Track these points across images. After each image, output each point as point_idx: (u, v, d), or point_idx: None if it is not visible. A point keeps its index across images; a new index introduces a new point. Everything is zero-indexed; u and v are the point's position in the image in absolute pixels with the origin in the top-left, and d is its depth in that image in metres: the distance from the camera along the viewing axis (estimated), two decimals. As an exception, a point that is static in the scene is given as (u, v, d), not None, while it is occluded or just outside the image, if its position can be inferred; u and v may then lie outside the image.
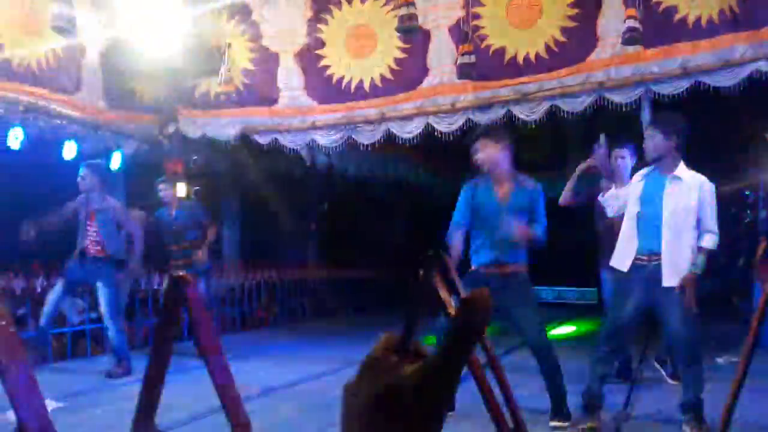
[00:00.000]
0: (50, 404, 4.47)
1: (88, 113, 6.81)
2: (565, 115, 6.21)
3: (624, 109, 5.91)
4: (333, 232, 12.79)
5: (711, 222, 3.85)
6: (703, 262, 3.85)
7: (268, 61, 7.06)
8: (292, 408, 4.63)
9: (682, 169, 3.92)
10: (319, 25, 6.87)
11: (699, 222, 3.86)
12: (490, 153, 4.25)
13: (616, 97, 5.90)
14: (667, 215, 3.84)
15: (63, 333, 6.81)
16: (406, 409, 0.49)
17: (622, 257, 3.99)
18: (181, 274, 0.59)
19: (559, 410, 4.05)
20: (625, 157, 4.98)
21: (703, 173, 3.96)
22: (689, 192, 3.85)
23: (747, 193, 10.12)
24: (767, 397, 4.41)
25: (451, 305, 0.50)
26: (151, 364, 0.59)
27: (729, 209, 11.00)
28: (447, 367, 0.49)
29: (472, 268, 4.31)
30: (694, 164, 3.97)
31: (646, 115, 5.84)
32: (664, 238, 3.83)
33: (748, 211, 10.14)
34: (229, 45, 7.01)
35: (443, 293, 0.52)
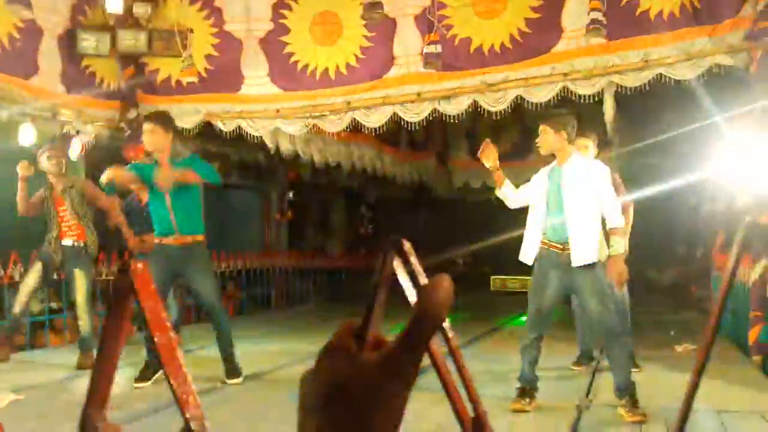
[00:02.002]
0: (8, 397, 4.38)
1: (45, 97, 6.64)
2: (530, 106, 6.25)
3: (587, 100, 5.98)
4: (299, 220, 12.73)
5: (610, 202, 4.07)
6: (619, 242, 4.07)
7: (231, 47, 6.95)
8: (255, 399, 4.60)
9: (576, 158, 4.18)
10: (283, 11, 6.78)
11: (602, 206, 4.07)
12: (157, 139, 4.87)
13: (580, 89, 5.95)
14: (569, 202, 4.06)
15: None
16: (365, 398, 0.48)
17: (529, 250, 4.21)
18: (131, 261, 0.57)
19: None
20: (588, 147, 5.06)
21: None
22: (585, 178, 4.08)
23: (706, 185, 10.32)
24: (724, 385, 4.52)
25: (411, 292, 0.49)
26: (101, 355, 0.56)
27: (688, 201, 11.22)
28: (407, 355, 0.48)
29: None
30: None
31: (608, 106, 5.93)
32: (570, 224, 4.05)
33: (707, 203, 10.34)
34: (192, 30, 6.89)
35: (403, 280, 0.50)
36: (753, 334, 5.43)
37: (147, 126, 4.94)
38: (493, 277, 13.67)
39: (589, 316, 4.14)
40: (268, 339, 7.39)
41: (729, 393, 4.37)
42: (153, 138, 4.88)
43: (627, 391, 3.91)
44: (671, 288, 12.15)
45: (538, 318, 4.20)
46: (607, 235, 4.19)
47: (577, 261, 4.00)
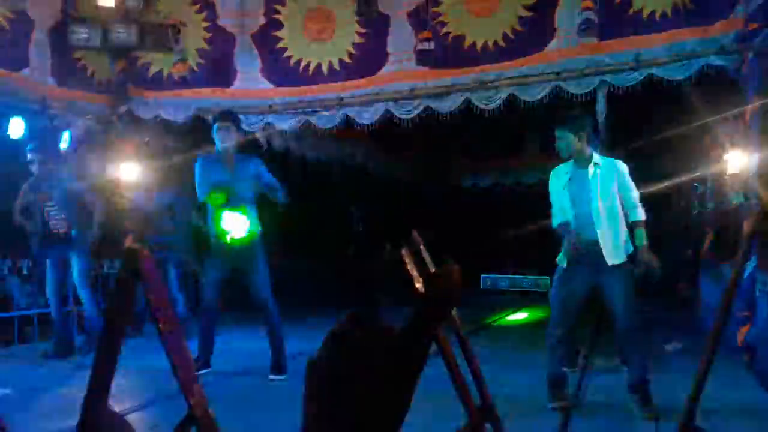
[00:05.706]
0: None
1: (36, 90, 6.59)
2: (523, 105, 6.26)
3: (580, 99, 6.00)
4: (288, 218, 12.67)
5: (634, 197, 4.10)
6: (644, 234, 4.05)
7: (224, 41, 6.93)
8: (236, 396, 4.59)
9: (597, 157, 4.16)
10: (276, 6, 6.76)
11: (624, 202, 4.09)
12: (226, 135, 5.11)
13: (573, 88, 5.97)
14: (598, 202, 4.05)
15: (10, 318, 6.64)
16: (374, 383, 0.48)
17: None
18: (135, 246, 0.56)
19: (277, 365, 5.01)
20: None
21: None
22: (609, 175, 4.08)
23: (696, 184, 10.36)
24: (711, 384, 4.54)
25: (419, 281, 0.49)
26: (103, 343, 0.56)
27: (678, 201, 11.29)
28: (415, 341, 0.48)
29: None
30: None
31: (601, 106, 5.95)
32: (600, 223, 4.04)
33: (697, 203, 10.38)
34: (184, 24, 6.86)
35: (411, 269, 0.50)
36: (741, 334, 5.46)
37: (221, 123, 5.13)
38: (483, 275, 13.69)
39: (614, 314, 4.07)
40: (254, 337, 7.36)
41: (717, 392, 4.39)
42: (224, 135, 5.10)
43: (641, 388, 3.95)
44: (658, 287, 12.21)
45: (564, 317, 4.18)
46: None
47: (610, 260, 4.00)
